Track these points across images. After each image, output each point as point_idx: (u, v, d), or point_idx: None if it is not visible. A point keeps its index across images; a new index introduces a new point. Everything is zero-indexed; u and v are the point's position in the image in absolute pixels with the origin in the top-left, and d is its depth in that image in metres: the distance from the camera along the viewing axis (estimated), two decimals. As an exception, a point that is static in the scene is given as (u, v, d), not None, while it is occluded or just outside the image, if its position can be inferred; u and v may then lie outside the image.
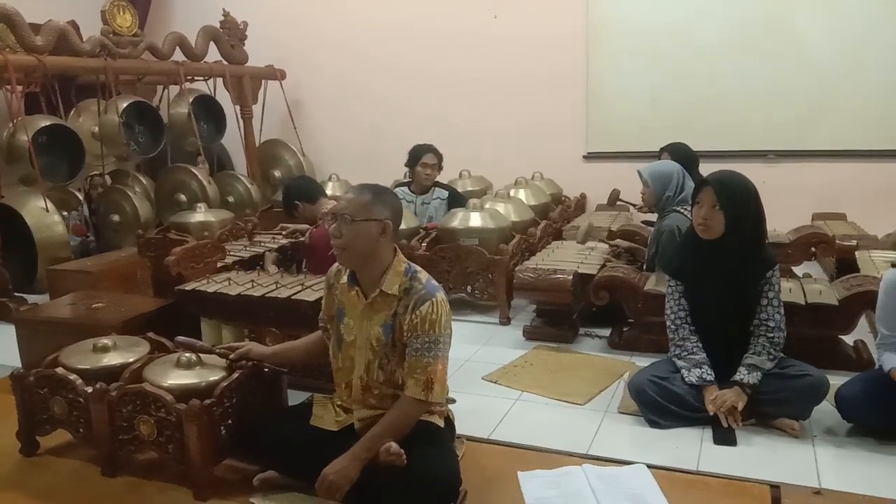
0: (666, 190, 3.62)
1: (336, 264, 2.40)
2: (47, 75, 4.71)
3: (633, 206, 5.09)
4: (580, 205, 5.81)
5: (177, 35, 5.47)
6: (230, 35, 5.99)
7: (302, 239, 3.92)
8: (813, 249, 4.34)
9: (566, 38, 5.79)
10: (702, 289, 2.72)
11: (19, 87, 4.49)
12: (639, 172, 3.73)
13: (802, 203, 5.08)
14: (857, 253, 3.97)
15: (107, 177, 5.59)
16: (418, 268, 2.28)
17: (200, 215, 4.83)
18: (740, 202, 2.61)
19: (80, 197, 5.61)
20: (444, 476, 2.08)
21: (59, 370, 2.46)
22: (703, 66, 5.49)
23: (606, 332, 3.66)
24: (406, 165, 4.86)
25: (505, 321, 3.93)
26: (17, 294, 4.43)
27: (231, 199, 5.92)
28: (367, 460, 2.10)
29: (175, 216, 4.92)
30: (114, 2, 5.02)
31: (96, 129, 5.51)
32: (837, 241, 4.18)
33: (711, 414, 2.56)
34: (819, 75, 5.25)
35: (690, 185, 3.71)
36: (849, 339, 3.29)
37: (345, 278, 2.30)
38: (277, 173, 6.50)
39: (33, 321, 3.25)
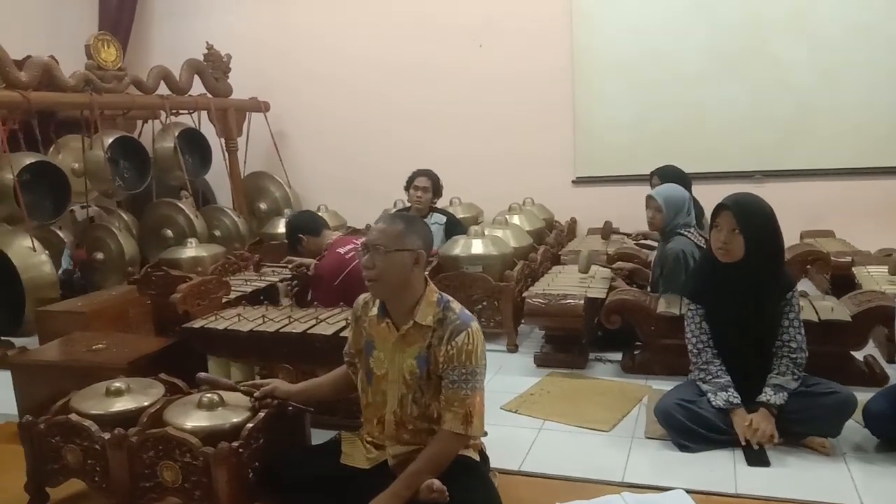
0: (678, 215, 3.63)
1: (362, 296, 2.36)
2: (30, 112, 4.58)
3: (628, 235, 5.13)
4: (571, 229, 5.83)
5: (161, 69, 5.39)
6: (214, 68, 5.93)
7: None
8: (808, 267, 4.40)
9: (551, 66, 5.86)
10: (721, 311, 2.71)
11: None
12: (650, 197, 3.73)
13: (790, 222, 5.05)
14: (853, 269, 4.05)
15: (94, 207, 5.45)
16: (450, 297, 2.24)
17: (192, 250, 4.74)
18: (759, 225, 2.62)
19: (61, 235, 5.45)
20: (489, 511, 2.03)
21: (73, 416, 2.35)
22: (686, 92, 5.59)
23: (615, 356, 3.66)
24: (405, 190, 4.85)
25: (513, 348, 3.89)
26: (2, 338, 4.26)
27: (218, 233, 5.82)
28: (407, 498, 2.04)
29: (165, 252, 4.81)
30: (98, 36, 4.94)
31: (76, 165, 5.39)
32: (832, 258, 4.25)
33: (744, 443, 2.54)
34: (799, 98, 5.39)
35: (695, 209, 3.76)
36: (858, 355, 3.32)
37: (374, 310, 2.25)
38: (263, 206, 6.42)
39: (32, 365, 3.10)
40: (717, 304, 2.72)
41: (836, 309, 3.16)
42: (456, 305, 2.20)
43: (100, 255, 5.08)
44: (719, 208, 2.68)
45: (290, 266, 3.91)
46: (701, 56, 5.54)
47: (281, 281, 4.02)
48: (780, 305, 2.64)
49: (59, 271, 4.79)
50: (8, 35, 4.58)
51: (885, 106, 5.22)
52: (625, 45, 5.70)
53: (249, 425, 2.24)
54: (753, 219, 2.61)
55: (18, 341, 4.29)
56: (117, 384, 2.50)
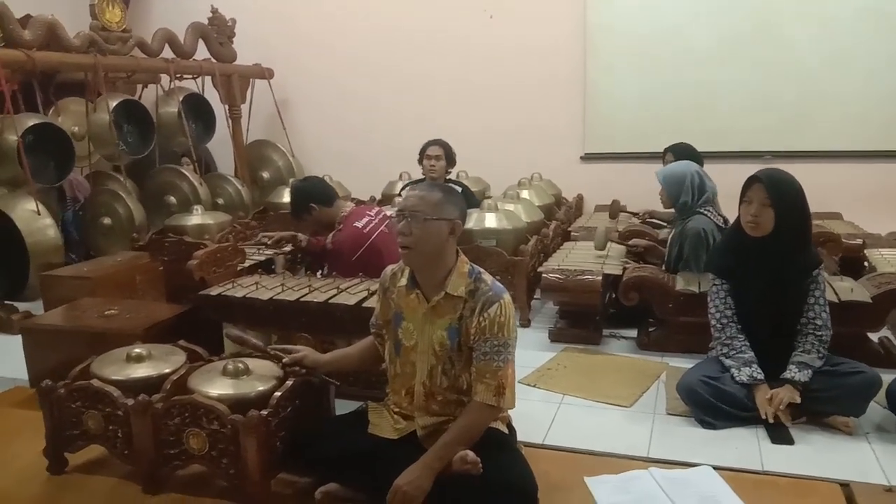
0: (681, 191, 3.61)
1: (390, 267, 2.32)
2: (34, 72, 4.47)
3: (635, 215, 5.10)
4: (578, 206, 5.80)
5: (166, 31, 5.28)
6: (219, 32, 5.82)
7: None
8: (819, 248, 4.39)
9: (563, 40, 5.79)
10: (747, 287, 2.70)
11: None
12: (656, 174, 3.72)
13: None
14: (866, 251, 4.05)
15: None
16: (481, 269, 2.21)
17: (197, 218, 4.66)
18: (790, 199, 2.60)
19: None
20: (522, 484, 2.01)
21: (95, 382, 2.31)
22: (696, 71, 5.54)
23: (629, 332, 3.65)
24: (418, 162, 4.80)
25: (525, 323, 3.87)
26: (6, 302, 4.19)
27: (221, 201, 5.74)
28: (439, 469, 2.02)
29: (170, 219, 4.73)
30: (103, -4, 4.81)
31: (76, 128, 5.29)
32: (843, 240, 4.25)
33: (765, 417, 2.54)
34: (808, 80, 5.35)
35: (711, 185, 3.73)
36: (873, 337, 3.33)
37: (403, 281, 2.21)
38: (266, 174, 6.34)
39: (43, 331, 3.05)
40: (743, 280, 2.70)
41: (856, 290, 3.16)
42: (487, 277, 2.17)
43: (107, 221, 5.00)
44: (751, 181, 2.65)
45: (269, 242, 3.79)
46: (712, 36, 5.48)
47: (278, 254, 3.90)
48: (805, 282, 2.64)
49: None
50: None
51: (891, 89, 5.19)
52: (637, 23, 5.63)
53: (278, 394, 2.21)
54: (785, 193, 2.60)
55: (22, 306, 4.22)
56: (138, 350, 2.46)
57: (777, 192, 2.58)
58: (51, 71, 4.95)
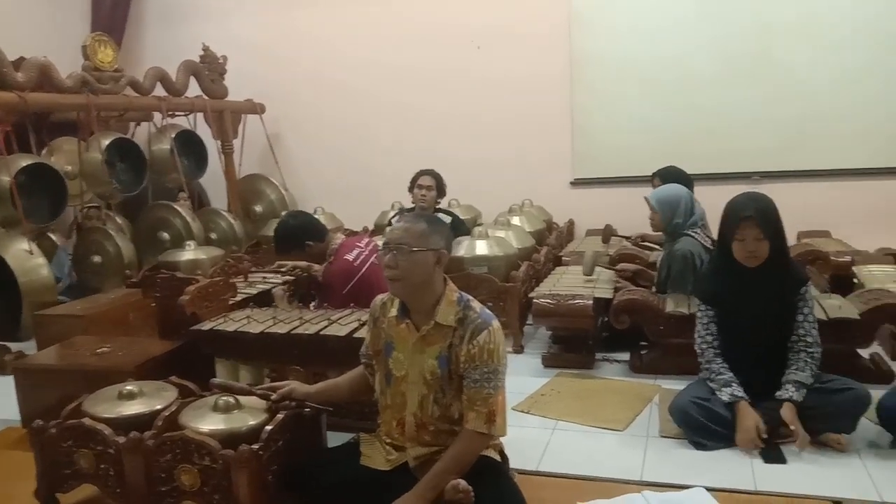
0: (674, 214, 3.64)
1: (380, 297, 2.33)
2: (27, 113, 4.52)
3: (627, 238, 5.13)
4: (570, 231, 5.84)
5: (158, 70, 5.34)
6: (210, 69, 5.89)
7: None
8: (809, 267, 4.42)
9: (549, 68, 5.86)
10: (739, 311, 2.70)
11: (-2, 126, 4.32)
12: (646, 199, 3.76)
13: (788, 222, 5.11)
14: (854, 268, 4.08)
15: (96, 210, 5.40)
16: (469, 296, 2.23)
17: (191, 253, 4.69)
18: (778, 225, 2.65)
19: (54, 238, 5.38)
20: (514, 511, 2.01)
21: (87, 420, 2.31)
22: (683, 95, 5.61)
23: (622, 356, 3.66)
24: (409, 191, 4.85)
25: (518, 349, 3.88)
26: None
27: (214, 235, 5.76)
28: (432, 499, 2.02)
29: (164, 255, 4.75)
30: (94, 36, 4.88)
31: (70, 167, 5.33)
32: (832, 258, 4.28)
33: (739, 444, 2.57)
34: (797, 101, 5.40)
35: (699, 208, 3.77)
36: (864, 353, 3.34)
37: (393, 311, 2.23)
38: (259, 208, 6.38)
39: (35, 370, 3.06)
40: (735, 305, 2.71)
41: (844, 307, 3.18)
42: (476, 304, 2.19)
43: (97, 259, 5.02)
44: (739, 218, 2.63)
45: (283, 270, 3.80)
46: (699, 60, 5.55)
47: (277, 286, 3.91)
48: (794, 299, 2.66)
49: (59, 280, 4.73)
50: (-1, 35, 4.54)
51: (881, 108, 5.26)
52: (623, 49, 5.72)
53: (269, 427, 2.21)
54: (773, 221, 2.63)
55: (16, 346, 4.22)
56: (129, 387, 2.46)
57: (768, 225, 2.60)
58: (44, 111, 5.01)
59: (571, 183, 6.00)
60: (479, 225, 4.96)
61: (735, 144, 5.57)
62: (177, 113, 5.79)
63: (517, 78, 5.94)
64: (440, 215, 4.74)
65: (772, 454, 2.52)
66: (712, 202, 3.89)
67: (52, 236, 5.39)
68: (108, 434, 2.26)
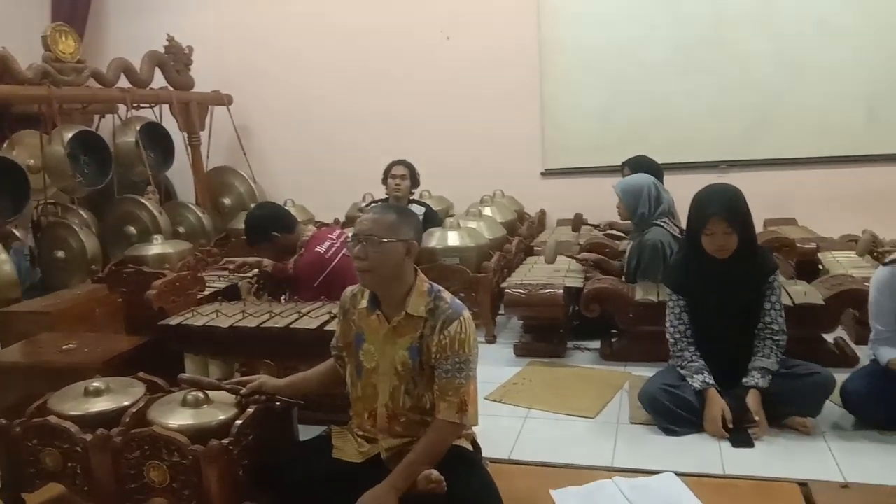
0: (638, 204, 3.68)
1: (350, 289, 2.32)
2: (-14, 105, 4.41)
3: (597, 227, 5.17)
4: (541, 221, 5.87)
5: (122, 61, 5.24)
6: (175, 60, 5.79)
7: (256, 270, 3.74)
8: (775, 254, 4.49)
9: (518, 58, 5.86)
10: (708, 300, 2.74)
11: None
12: (614, 188, 3.79)
13: (755, 210, 5.16)
14: (819, 255, 4.16)
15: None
16: (440, 287, 2.22)
17: (158, 247, 4.61)
18: (746, 217, 2.68)
19: (18, 234, 5.26)
20: (486, 500, 2.02)
21: (52, 418, 2.26)
22: (653, 84, 5.65)
23: (593, 344, 3.69)
24: (382, 182, 4.82)
25: (491, 339, 3.90)
26: (-40, 341, 4.09)
27: (182, 229, 5.68)
28: (404, 490, 2.02)
29: (130, 249, 4.67)
30: (55, 27, 4.76)
31: (32, 161, 5.21)
32: (798, 245, 4.36)
33: (708, 431, 2.62)
34: (762, 90, 5.48)
35: (667, 197, 3.81)
36: (828, 337, 3.41)
37: (363, 303, 2.22)
38: (228, 201, 6.29)
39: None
40: (704, 294, 2.74)
41: (809, 293, 3.24)
42: (447, 295, 2.19)
43: (60, 254, 4.92)
44: (707, 214, 2.65)
45: (230, 269, 3.73)
46: (667, 48, 5.60)
47: (242, 280, 3.87)
48: (762, 288, 2.70)
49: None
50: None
51: (843, 98, 5.35)
52: (592, 38, 5.73)
53: (239, 422, 2.19)
54: (741, 214, 2.66)
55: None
56: (96, 384, 2.42)
57: (736, 218, 2.63)
58: (4, 104, 4.88)
59: (542, 173, 6.02)
60: (450, 216, 4.95)
61: (702, 134, 5.63)
62: (142, 105, 5.68)
63: (486, 68, 5.93)
64: (413, 206, 4.73)
65: (740, 439, 2.56)
66: (681, 191, 3.93)
67: (17, 232, 5.27)
68: (75, 432, 2.22)
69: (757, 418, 2.58)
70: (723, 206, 2.64)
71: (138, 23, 6.53)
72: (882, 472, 2.30)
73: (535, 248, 4.71)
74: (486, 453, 2.47)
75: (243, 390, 2.31)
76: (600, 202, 5.05)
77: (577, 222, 5.14)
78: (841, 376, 2.71)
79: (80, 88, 4.91)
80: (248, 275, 3.88)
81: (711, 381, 2.68)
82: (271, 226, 3.55)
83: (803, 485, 2.26)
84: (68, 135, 4.80)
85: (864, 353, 3.30)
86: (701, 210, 2.69)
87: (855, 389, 2.60)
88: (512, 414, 2.94)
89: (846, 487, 2.23)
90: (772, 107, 5.48)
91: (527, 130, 5.94)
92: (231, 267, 3.90)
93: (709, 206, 2.66)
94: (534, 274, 3.88)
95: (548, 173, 6.01)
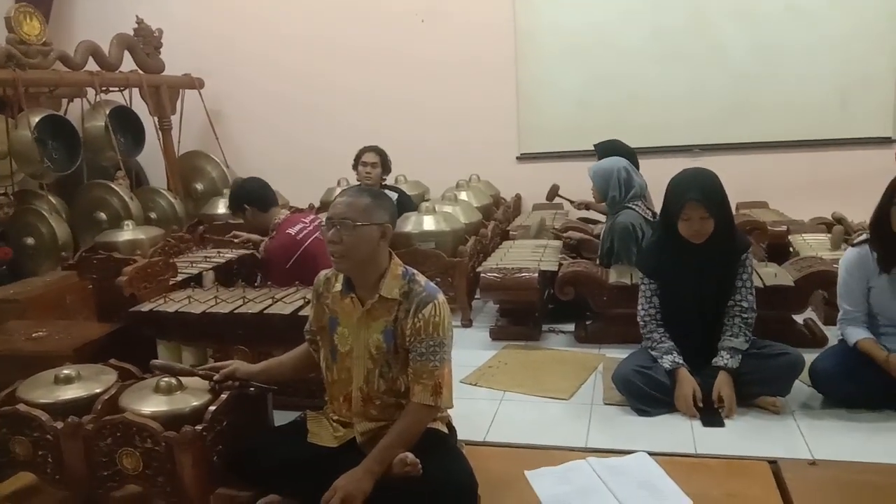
0: (608, 187, 3.71)
1: (323, 272, 2.31)
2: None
3: (571, 202, 5.20)
4: (517, 205, 5.88)
5: (90, 44, 5.12)
6: (145, 43, 5.68)
7: (253, 251, 3.74)
8: (749, 237, 4.55)
9: (493, 42, 5.82)
10: (681, 283, 2.76)
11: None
12: (588, 171, 3.82)
13: (727, 193, 5.33)
14: (790, 237, 4.22)
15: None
16: (414, 270, 2.22)
17: (129, 233, 4.54)
18: (722, 201, 2.70)
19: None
20: (463, 482, 2.03)
21: (22, 407, 2.23)
22: (628, 67, 5.65)
23: (568, 327, 3.72)
24: (353, 168, 4.78)
25: (467, 323, 3.91)
26: (-73, 330, 4.00)
27: (153, 215, 5.59)
28: (380, 473, 2.02)
29: (101, 235, 4.60)
30: (19, 7, 4.64)
31: (-4, 147, 5.10)
32: (769, 227, 4.42)
33: (680, 410, 2.66)
34: (735, 75, 5.52)
35: (639, 181, 3.83)
36: (798, 318, 3.47)
37: (338, 286, 2.21)
38: (200, 186, 6.20)
39: (-33, 357, 2.94)
40: (678, 277, 2.77)
41: (780, 274, 3.29)
42: (421, 278, 2.18)
43: (30, 241, 4.83)
44: (683, 199, 2.64)
45: (235, 241, 3.76)
46: (643, 33, 5.60)
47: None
48: (735, 267, 2.72)
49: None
50: None
51: (814, 82, 5.41)
52: (568, 22, 5.72)
53: (212, 408, 2.17)
54: (717, 198, 2.67)
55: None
56: (67, 371, 2.38)
57: (712, 203, 2.63)
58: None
59: (518, 157, 6.02)
60: (426, 201, 4.94)
61: (677, 118, 5.66)
62: (111, 88, 5.56)
63: (462, 53, 5.89)
64: (386, 192, 4.70)
65: (711, 418, 2.60)
66: (655, 175, 3.96)
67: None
68: (45, 420, 2.20)
69: (724, 401, 2.62)
70: (700, 191, 2.64)
71: (106, 4, 6.40)
72: (849, 450, 2.35)
73: (511, 233, 4.72)
74: (461, 436, 2.48)
75: (217, 376, 2.29)
76: (576, 186, 5.07)
77: (553, 192, 5.18)
78: (810, 356, 2.75)
79: (46, 72, 4.79)
80: (249, 251, 3.86)
81: (681, 361, 2.72)
82: (245, 198, 3.67)
83: (773, 462, 2.30)
84: (35, 119, 4.68)
85: (832, 334, 3.37)
86: (678, 195, 2.69)
87: (824, 369, 2.65)
88: (488, 397, 2.95)
89: (814, 465, 2.28)
90: (745, 92, 5.52)
91: (503, 115, 5.93)
92: (236, 240, 3.92)
93: (686, 192, 2.66)
94: (509, 258, 3.89)
95: (523, 158, 6.01)
